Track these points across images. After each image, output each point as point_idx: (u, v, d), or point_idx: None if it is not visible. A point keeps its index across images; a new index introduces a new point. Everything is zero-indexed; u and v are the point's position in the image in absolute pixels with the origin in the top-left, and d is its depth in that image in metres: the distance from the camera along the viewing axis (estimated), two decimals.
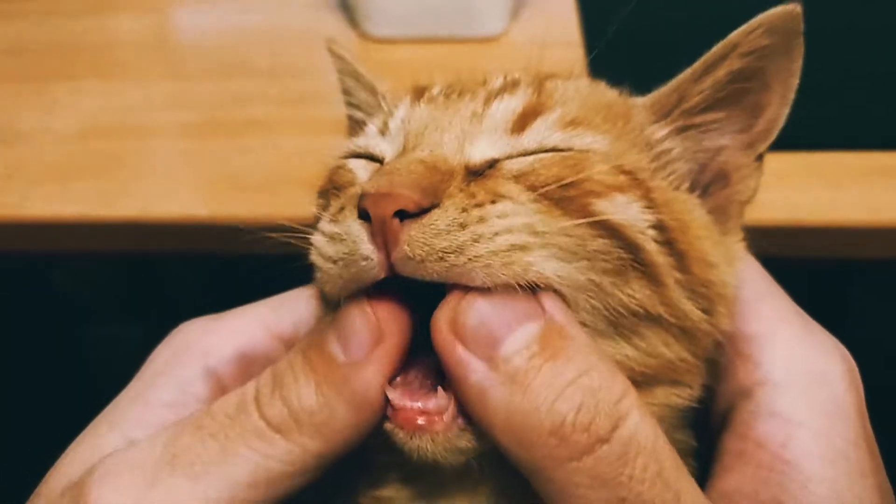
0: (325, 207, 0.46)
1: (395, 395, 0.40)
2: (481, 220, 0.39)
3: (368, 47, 1.07)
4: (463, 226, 0.39)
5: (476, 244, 0.38)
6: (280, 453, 0.39)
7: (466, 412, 0.39)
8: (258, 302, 0.51)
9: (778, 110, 0.49)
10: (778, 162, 0.82)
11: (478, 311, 0.38)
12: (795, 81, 0.48)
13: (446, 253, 0.38)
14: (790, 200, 0.81)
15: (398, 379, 0.41)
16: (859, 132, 0.87)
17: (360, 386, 0.39)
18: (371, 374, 0.40)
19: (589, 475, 0.35)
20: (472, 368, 0.37)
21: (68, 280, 1.29)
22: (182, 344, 0.49)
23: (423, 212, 0.39)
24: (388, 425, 0.41)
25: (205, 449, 0.39)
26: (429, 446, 0.40)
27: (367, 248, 0.39)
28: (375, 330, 0.40)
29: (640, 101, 0.51)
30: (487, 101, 0.48)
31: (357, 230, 0.40)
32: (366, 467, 0.47)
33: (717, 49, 0.47)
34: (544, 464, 0.36)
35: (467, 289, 0.38)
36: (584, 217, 0.41)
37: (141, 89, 1.02)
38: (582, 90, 0.50)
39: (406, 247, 0.38)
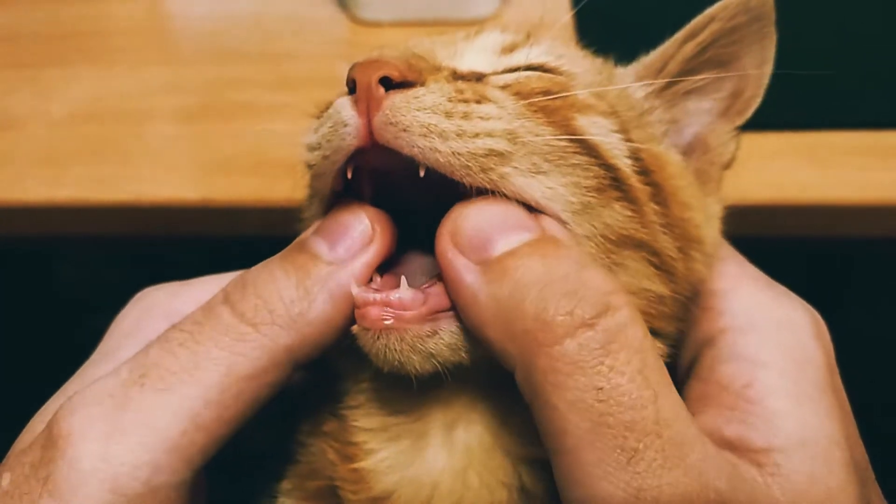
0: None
1: (358, 291, 0.39)
2: (466, 115, 0.39)
3: (359, 31, 1.07)
4: (448, 115, 0.39)
5: (458, 139, 0.38)
6: (250, 348, 0.38)
7: (461, 321, 0.39)
8: (227, 273, 0.50)
9: (754, 87, 0.50)
10: (764, 141, 0.83)
11: (474, 219, 0.38)
12: (769, 62, 0.50)
13: (430, 132, 0.38)
14: (777, 180, 0.81)
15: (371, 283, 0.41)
16: (846, 112, 0.88)
17: (346, 280, 0.39)
18: (358, 269, 0.39)
19: (568, 361, 0.34)
20: (465, 270, 0.37)
21: (70, 270, 1.29)
22: (148, 306, 0.48)
23: (408, 86, 0.39)
24: (353, 328, 0.40)
25: (175, 360, 0.38)
26: (396, 345, 0.39)
27: (347, 113, 0.39)
28: (367, 229, 0.40)
29: (624, 69, 0.53)
30: (477, 32, 0.50)
31: (341, 102, 0.39)
32: (330, 398, 0.46)
33: (697, 19, 0.49)
34: (528, 351, 0.35)
35: (468, 202, 0.39)
36: (566, 129, 0.41)
37: (134, 74, 1.02)
38: (569, 47, 0.52)
39: (388, 112, 0.38)
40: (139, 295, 0.49)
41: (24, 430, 0.41)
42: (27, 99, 0.99)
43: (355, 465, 0.44)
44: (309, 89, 0.95)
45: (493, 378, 0.42)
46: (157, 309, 0.47)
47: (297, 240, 0.42)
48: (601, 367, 0.34)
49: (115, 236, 0.92)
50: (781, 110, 0.82)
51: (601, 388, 0.34)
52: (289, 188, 0.51)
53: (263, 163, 0.87)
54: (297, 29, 1.09)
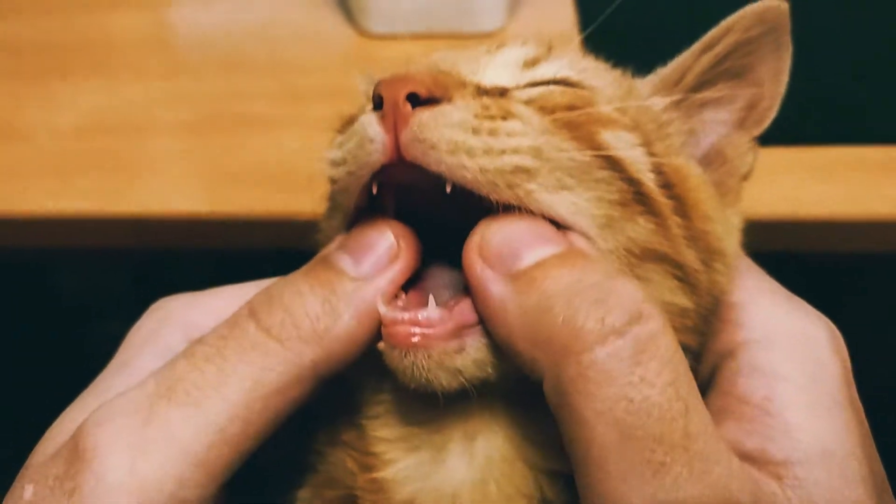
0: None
1: (386, 310, 0.39)
2: (492, 132, 0.39)
3: (366, 44, 1.07)
4: (475, 131, 0.39)
5: (485, 155, 0.38)
6: (276, 362, 0.38)
7: (488, 336, 0.39)
8: (244, 283, 0.50)
9: (770, 98, 0.50)
10: (774, 157, 0.83)
11: (501, 233, 0.38)
12: (785, 73, 0.50)
13: (457, 148, 0.38)
14: (787, 195, 0.81)
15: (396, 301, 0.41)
16: (857, 127, 0.88)
17: (371, 297, 0.40)
18: (384, 286, 0.40)
19: (598, 369, 0.34)
20: (493, 282, 0.38)
21: (71, 279, 1.29)
22: (165, 315, 0.48)
23: (435, 103, 0.39)
24: (380, 344, 0.40)
25: (201, 374, 0.38)
26: (423, 362, 0.39)
27: (374, 129, 0.39)
28: (392, 245, 0.40)
29: (642, 80, 0.53)
30: (499, 46, 0.50)
31: (367, 118, 0.40)
32: (349, 408, 0.46)
33: (714, 31, 0.49)
34: (557, 358, 0.35)
35: (494, 217, 0.39)
36: (590, 144, 0.42)
37: (140, 86, 1.02)
38: (588, 60, 0.52)
39: (416, 128, 0.38)
40: (155, 305, 0.49)
41: (42, 439, 0.41)
42: (33, 111, 0.99)
43: (374, 475, 0.44)
44: (315, 102, 0.95)
45: (515, 390, 0.42)
46: (173, 319, 0.47)
47: (321, 254, 0.42)
48: (632, 377, 0.34)
49: (121, 248, 0.92)
50: (792, 126, 0.82)
51: (631, 400, 0.34)
52: (296, 200, 0.51)
53: (270, 175, 0.87)
54: (303, 41, 1.09)
